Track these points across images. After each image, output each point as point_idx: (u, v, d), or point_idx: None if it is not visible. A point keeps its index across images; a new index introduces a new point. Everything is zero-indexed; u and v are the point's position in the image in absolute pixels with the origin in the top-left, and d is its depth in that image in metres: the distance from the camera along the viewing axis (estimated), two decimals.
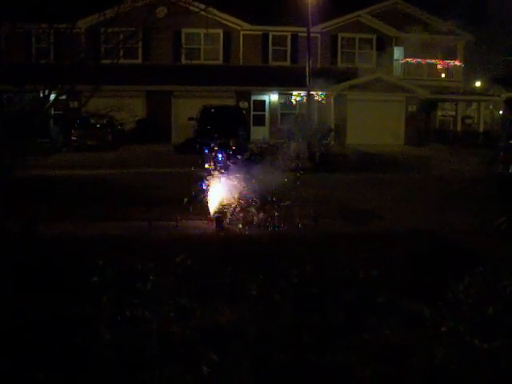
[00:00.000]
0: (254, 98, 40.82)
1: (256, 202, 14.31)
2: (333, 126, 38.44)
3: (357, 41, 43.16)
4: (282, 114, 41.10)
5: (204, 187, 14.83)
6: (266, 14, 40.59)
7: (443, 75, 44.48)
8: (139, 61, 39.52)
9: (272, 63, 42.15)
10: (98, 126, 34.17)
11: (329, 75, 36.86)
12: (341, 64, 42.00)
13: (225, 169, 14.77)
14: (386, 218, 15.41)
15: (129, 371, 6.06)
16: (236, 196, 14.42)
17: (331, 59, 42.34)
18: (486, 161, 25.95)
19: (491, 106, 49.87)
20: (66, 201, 16.85)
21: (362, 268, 8.25)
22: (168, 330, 6.53)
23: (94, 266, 7.51)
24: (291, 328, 7.02)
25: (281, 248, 11.53)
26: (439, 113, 45.68)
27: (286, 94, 40.82)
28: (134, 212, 15.30)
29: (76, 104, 32.04)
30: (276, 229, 13.61)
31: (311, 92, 35.31)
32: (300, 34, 40.13)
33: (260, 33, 42.01)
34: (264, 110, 41.43)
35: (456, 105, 44.44)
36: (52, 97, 13.00)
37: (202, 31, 38.53)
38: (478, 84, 53.06)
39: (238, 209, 14.25)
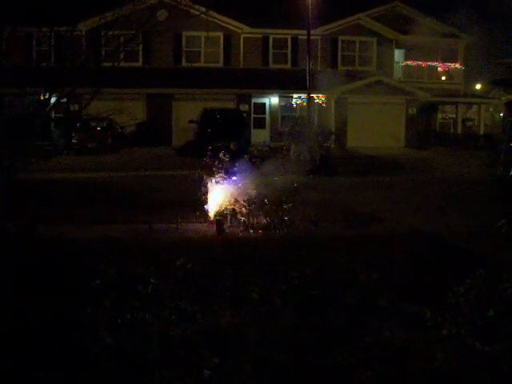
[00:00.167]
0: (254, 100, 40.84)
1: (256, 205, 14.30)
2: (333, 129, 38.46)
3: (357, 43, 43.17)
4: (283, 117, 41.12)
5: (204, 190, 14.84)
6: (267, 16, 40.61)
7: (444, 78, 44.52)
8: (140, 64, 39.54)
9: (272, 66, 42.17)
10: (98, 128, 34.19)
11: (329, 78, 36.85)
12: (341, 67, 42.00)
13: (225, 172, 14.77)
14: (386, 220, 15.41)
15: (129, 373, 6.06)
16: (236, 199, 14.42)
17: (331, 62, 42.34)
18: (487, 163, 25.96)
19: (491, 109, 49.91)
20: (66, 203, 16.85)
21: (362, 271, 8.25)
22: (168, 332, 6.52)
23: (94, 267, 7.50)
24: (292, 330, 7.02)
25: (281, 251, 11.53)
26: (440, 115, 45.67)
27: (287, 96, 40.84)
28: (134, 215, 15.30)
29: (76, 107, 32.08)
30: (277, 231, 13.60)
31: (311, 95, 35.32)
32: (300, 37, 40.14)
33: (260, 36, 42.04)
34: (264, 112, 41.44)
35: (456, 107, 44.45)
36: (52, 100, 13.03)
37: (203, 34, 38.51)
38: (478, 86, 53.12)
39: (238, 212, 14.25)
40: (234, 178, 14.75)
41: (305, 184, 17.47)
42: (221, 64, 41.58)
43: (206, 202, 14.76)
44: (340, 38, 42.95)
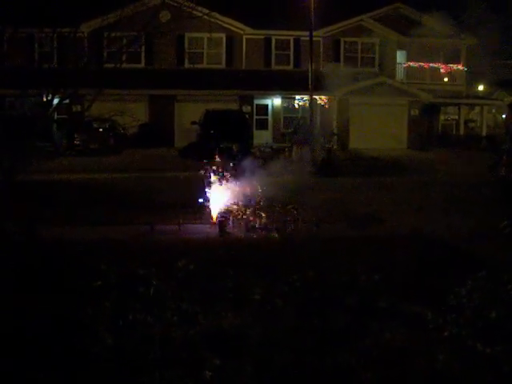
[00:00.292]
0: (256, 102, 40.83)
1: (259, 206, 14.31)
2: (335, 130, 38.46)
3: (359, 45, 43.14)
4: (285, 118, 41.12)
5: (207, 191, 14.85)
6: (269, 18, 40.61)
7: (446, 79, 44.47)
8: (142, 65, 39.54)
9: (275, 67, 42.17)
10: (100, 130, 34.20)
11: (331, 79, 36.84)
12: (343, 68, 41.95)
13: (228, 173, 14.78)
14: (388, 221, 15.39)
15: (129, 373, 6.07)
16: (239, 200, 14.42)
17: (334, 63, 42.30)
18: (489, 164, 25.92)
19: (494, 110, 49.87)
20: (67, 204, 16.86)
21: (363, 272, 8.25)
22: (170, 333, 6.53)
23: (94, 268, 7.51)
24: (293, 332, 7.02)
25: (283, 252, 11.52)
26: (442, 117, 45.61)
27: (289, 98, 40.81)
28: (136, 216, 15.30)
29: (79, 108, 32.05)
30: (278, 233, 13.59)
31: (314, 96, 35.31)
32: (302, 38, 40.11)
33: (263, 37, 42.04)
34: (267, 114, 41.44)
35: (459, 109, 44.41)
36: (55, 101, 13.03)
37: (205, 35, 38.47)
38: (480, 88, 53.06)
39: (240, 213, 14.25)
40: (237, 179, 14.76)
41: (307, 185, 17.52)
42: (223, 65, 41.59)
43: (208, 203, 14.76)
44: (342, 39, 42.94)
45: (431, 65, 43.51)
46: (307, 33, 34.01)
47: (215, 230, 13.81)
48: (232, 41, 41.55)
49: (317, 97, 37.32)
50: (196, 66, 37.56)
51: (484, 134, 43.56)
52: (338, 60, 42.51)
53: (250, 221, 14.08)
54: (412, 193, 20.75)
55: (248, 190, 14.53)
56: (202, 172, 15.08)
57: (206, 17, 18.73)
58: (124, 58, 14.22)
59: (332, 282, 7.99)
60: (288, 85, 39.06)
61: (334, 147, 34.44)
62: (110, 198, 18.74)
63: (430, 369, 6.31)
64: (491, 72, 47.72)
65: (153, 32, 14.94)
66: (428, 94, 41.35)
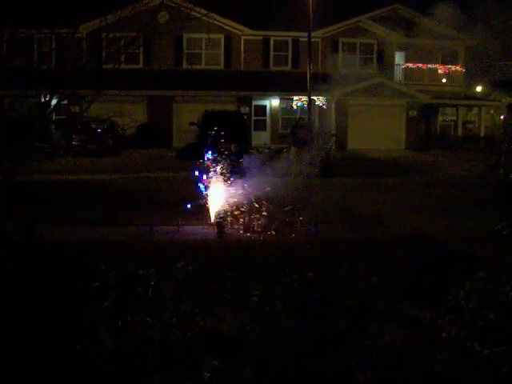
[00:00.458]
0: (255, 102, 40.86)
1: (257, 207, 14.30)
2: (334, 131, 38.47)
3: (358, 46, 43.18)
4: (283, 119, 41.15)
5: (205, 192, 14.85)
6: (267, 18, 40.62)
7: (444, 80, 44.51)
8: (140, 66, 39.54)
9: (273, 68, 42.20)
10: (99, 130, 34.19)
11: (330, 80, 36.88)
12: (342, 69, 41.99)
13: (226, 174, 14.77)
14: (386, 222, 15.38)
15: (128, 374, 6.07)
16: (237, 201, 14.42)
17: (332, 64, 42.33)
18: (487, 165, 25.93)
19: (492, 111, 49.92)
20: (66, 205, 16.85)
21: (362, 274, 8.24)
22: (169, 335, 6.53)
23: (94, 269, 7.51)
24: (292, 333, 7.02)
25: (281, 253, 11.52)
26: (440, 118, 45.67)
27: (287, 98, 40.85)
28: (134, 217, 15.29)
29: (77, 109, 32.10)
30: (277, 234, 13.59)
31: (312, 97, 35.33)
32: (301, 39, 40.15)
33: (261, 38, 42.06)
34: (265, 115, 41.47)
35: (457, 110, 44.46)
36: (53, 102, 13.02)
37: (204, 36, 38.51)
38: (479, 89, 53.11)
39: (238, 214, 14.25)
40: (235, 180, 14.76)
41: (305, 186, 17.49)
42: (221, 66, 41.61)
43: (206, 205, 14.76)
44: (341, 40, 42.98)
45: (429, 66, 43.56)
46: (305, 33, 34.05)
47: (213, 231, 13.81)
48: (230, 41, 41.57)
49: (315, 98, 37.34)
50: (194, 66, 37.58)
51: (482, 134, 43.61)
52: (336, 61, 42.50)
53: (249, 222, 14.07)
54: (410, 194, 20.76)
55: (246, 191, 14.53)
56: (200, 173, 15.07)
57: (204, 18, 18.70)
58: (122, 58, 14.19)
59: (331, 284, 7.99)
60: (286, 86, 39.08)
61: (333, 148, 34.43)
62: (109, 198, 18.74)
63: (429, 370, 6.31)
64: (490, 73, 47.73)
65: (151, 33, 14.93)
66: (426, 95, 41.40)
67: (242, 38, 41.73)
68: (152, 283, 6.88)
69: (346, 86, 39.38)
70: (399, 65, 44.02)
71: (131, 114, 24.72)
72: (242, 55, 41.90)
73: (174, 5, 19.98)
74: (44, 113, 13.13)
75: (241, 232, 13.81)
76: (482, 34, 38.33)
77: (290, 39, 42.16)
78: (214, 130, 16.20)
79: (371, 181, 24.19)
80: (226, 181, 14.67)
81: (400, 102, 41.33)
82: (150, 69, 39.77)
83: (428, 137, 42.27)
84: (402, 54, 43.91)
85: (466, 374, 6.24)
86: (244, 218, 14.14)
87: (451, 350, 6.52)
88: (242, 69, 41.61)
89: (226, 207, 14.38)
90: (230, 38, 41.52)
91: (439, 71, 44.19)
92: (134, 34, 13.80)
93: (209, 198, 14.73)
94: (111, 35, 13.54)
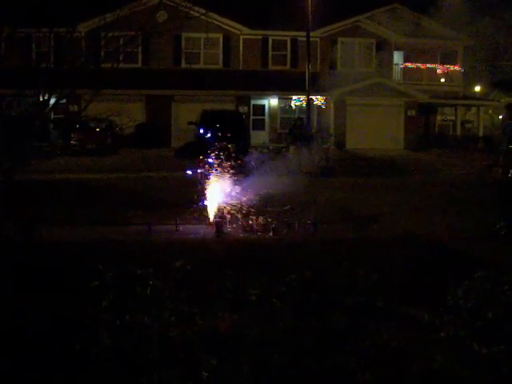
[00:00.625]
0: (253, 102, 40.82)
1: (256, 207, 14.30)
2: (332, 131, 38.44)
3: (356, 45, 43.13)
4: (282, 119, 41.10)
5: (203, 192, 14.84)
6: (266, 18, 40.56)
7: (443, 80, 44.50)
8: (139, 65, 39.47)
9: (272, 67, 42.14)
10: (97, 130, 34.14)
11: (328, 80, 36.84)
12: (340, 68, 41.96)
13: (224, 173, 14.76)
14: (385, 222, 15.38)
15: (128, 374, 6.06)
16: (236, 201, 14.42)
17: (331, 64, 42.32)
18: (486, 165, 25.95)
19: (490, 111, 49.89)
20: (65, 204, 16.83)
21: (361, 273, 8.24)
22: (167, 334, 6.52)
23: (93, 268, 7.50)
24: (291, 332, 7.01)
25: (280, 253, 11.52)
26: (439, 117, 45.64)
27: (286, 98, 40.80)
28: (133, 216, 15.29)
29: (76, 108, 32.00)
30: (275, 233, 13.59)
31: (311, 96, 35.32)
32: (300, 39, 40.11)
33: (260, 37, 42.01)
34: (264, 114, 41.43)
35: (455, 109, 44.44)
36: (52, 101, 13.02)
37: (202, 35, 38.46)
38: (477, 89, 53.09)
39: (237, 213, 14.24)
40: (233, 179, 14.75)
41: (304, 185, 17.49)
42: (220, 65, 41.56)
43: (204, 204, 14.75)
44: (339, 39, 42.92)
45: (428, 65, 43.53)
46: (304, 33, 34.03)
47: (212, 231, 13.80)
48: (229, 41, 41.52)
49: (314, 97, 37.31)
50: (193, 66, 37.53)
51: (481, 134, 43.60)
52: (334, 60, 42.48)
53: (247, 221, 14.07)
54: (409, 193, 20.75)
55: (245, 191, 14.52)
56: (200, 172, 15.07)
57: (203, 17, 18.72)
58: (121, 58, 14.19)
59: (330, 283, 7.99)
60: (285, 85, 39.03)
61: (331, 147, 34.42)
62: (108, 197, 18.73)
63: (427, 369, 6.31)
64: (488, 73, 47.73)
65: (150, 32, 14.92)
66: (425, 95, 41.38)
67: (241, 37, 41.68)
68: (151, 283, 6.88)
69: (345, 86, 39.35)
70: (398, 64, 43.97)
71: (130, 113, 24.71)
72: (241, 54, 41.84)
73: (172, 4, 19.91)
74: (43, 112, 13.13)
75: (239, 231, 13.81)
76: (481, 33, 38.40)
77: (288, 39, 42.11)
78: (213, 130, 16.20)
79: (370, 180, 24.18)
80: (224, 180, 14.66)
81: (398, 102, 41.32)
82: (149, 68, 39.72)
83: (426, 136, 42.25)
84: (401, 53, 43.86)
85: (464, 373, 6.24)
86: (242, 218, 14.14)
87: (450, 350, 6.52)
88: (240, 68, 41.56)
89: (225, 206, 14.38)
90: (228, 38, 41.47)
91: (438, 71, 44.16)
92: (133, 33, 13.81)
93: (207, 198, 14.72)
94: (110, 34, 13.53)
